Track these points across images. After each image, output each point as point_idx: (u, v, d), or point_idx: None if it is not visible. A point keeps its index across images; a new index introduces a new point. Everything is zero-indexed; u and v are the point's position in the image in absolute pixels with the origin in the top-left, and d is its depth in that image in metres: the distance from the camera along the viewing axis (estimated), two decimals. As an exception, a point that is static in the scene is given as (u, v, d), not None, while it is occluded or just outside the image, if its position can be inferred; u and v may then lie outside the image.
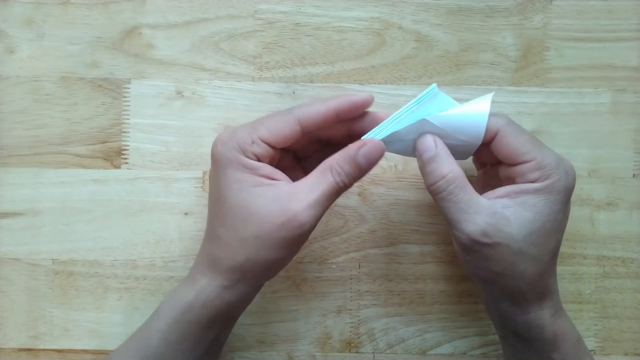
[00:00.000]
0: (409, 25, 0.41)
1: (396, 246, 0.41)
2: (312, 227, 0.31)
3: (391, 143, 0.33)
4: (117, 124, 0.41)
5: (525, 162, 0.31)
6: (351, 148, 0.32)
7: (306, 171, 0.34)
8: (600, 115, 0.41)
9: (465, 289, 0.41)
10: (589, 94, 0.41)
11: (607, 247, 0.41)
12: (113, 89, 0.41)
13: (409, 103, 0.32)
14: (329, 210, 0.33)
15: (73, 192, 0.41)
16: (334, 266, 0.41)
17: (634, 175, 0.41)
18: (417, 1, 0.41)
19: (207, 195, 0.41)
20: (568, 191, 0.32)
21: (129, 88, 0.41)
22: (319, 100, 0.32)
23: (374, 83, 0.41)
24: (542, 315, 0.32)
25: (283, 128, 0.31)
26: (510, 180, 0.33)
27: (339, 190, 0.32)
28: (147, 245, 0.41)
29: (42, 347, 0.41)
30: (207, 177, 0.41)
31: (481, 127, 0.32)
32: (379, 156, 0.32)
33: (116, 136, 0.41)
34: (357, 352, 0.41)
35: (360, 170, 0.32)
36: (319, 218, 0.31)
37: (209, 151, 0.41)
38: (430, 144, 0.32)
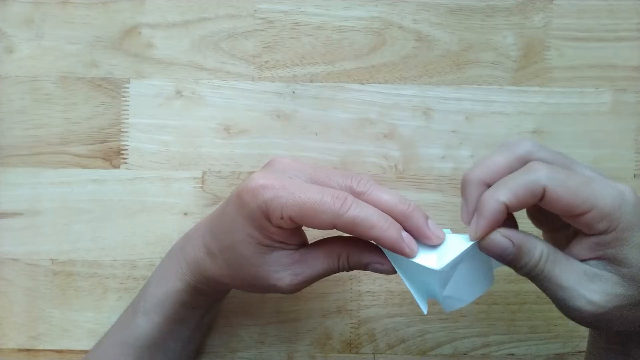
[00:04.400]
0: (409, 25, 0.41)
1: (396, 246, 0.41)
2: None
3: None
4: (116, 123, 0.41)
5: (584, 214, 0.27)
6: (366, 258, 0.30)
7: None
8: (601, 115, 0.41)
9: (466, 289, 0.41)
10: (589, 94, 0.41)
11: (608, 248, 0.41)
12: (112, 88, 0.41)
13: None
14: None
15: (72, 192, 0.41)
16: (334, 266, 0.41)
17: (634, 176, 0.41)
18: (418, 0, 0.41)
19: (206, 195, 0.41)
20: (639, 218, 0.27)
21: (128, 88, 0.41)
22: (365, 218, 0.28)
23: (374, 82, 0.41)
24: None
25: (317, 222, 0.28)
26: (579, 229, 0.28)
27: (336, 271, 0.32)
28: (147, 246, 0.41)
29: (41, 347, 0.41)
30: (206, 177, 0.41)
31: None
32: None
33: (115, 136, 0.41)
34: (357, 353, 0.41)
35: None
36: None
37: (208, 151, 0.41)
38: (506, 244, 0.28)
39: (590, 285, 0.27)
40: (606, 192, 0.27)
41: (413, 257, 0.29)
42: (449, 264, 0.28)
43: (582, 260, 0.28)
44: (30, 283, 0.41)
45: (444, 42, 0.41)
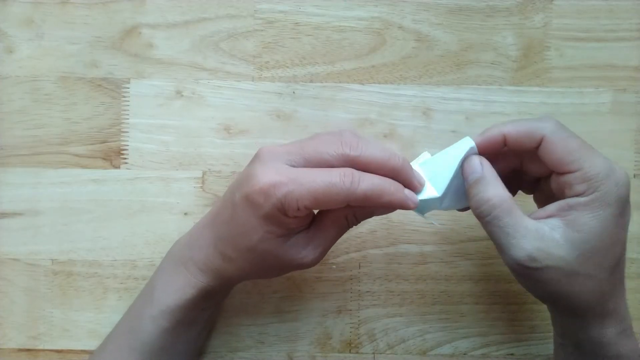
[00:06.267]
0: (409, 25, 0.41)
1: (396, 246, 0.41)
2: None
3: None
4: (116, 123, 0.41)
5: (570, 172, 0.29)
6: (370, 208, 0.32)
7: None
8: (601, 115, 0.41)
9: (466, 289, 0.41)
10: (589, 94, 0.41)
11: (607, 247, 0.41)
12: (112, 88, 0.41)
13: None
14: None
15: (72, 192, 0.41)
16: (334, 266, 0.41)
17: (634, 176, 0.41)
18: (418, 1, 0.41)
19: (206, 195, 0.41)
20: (620, 202, 0.29)
21: (128, 88, 0.41)
22: (374, 189, 0.30)
23: (374, 83, 0.41)
24: (605, 334, 0.30)
25: (331, 204, 0.30)
26: (561, 193, 0.31)
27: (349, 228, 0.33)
28: (147, 246, 0.41)
29: (41, 347, 0.41)
30: (206, 177, 0.41)
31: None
32: None
33: (115, 136, 0.41)
34: (357, 353, 0.41)
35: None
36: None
37: (208, 151, 0.41)
38: (477, 166, 0.31)
39: (534, 241, 0.29)
40: (597, 161, 0.29)
41: (415, 208, 0.32)
42: (446, 187, 0.32)
43: (544, 218, 0.30)
44: (30, 283, 0.41)
45: (444, 42, 0.41)
